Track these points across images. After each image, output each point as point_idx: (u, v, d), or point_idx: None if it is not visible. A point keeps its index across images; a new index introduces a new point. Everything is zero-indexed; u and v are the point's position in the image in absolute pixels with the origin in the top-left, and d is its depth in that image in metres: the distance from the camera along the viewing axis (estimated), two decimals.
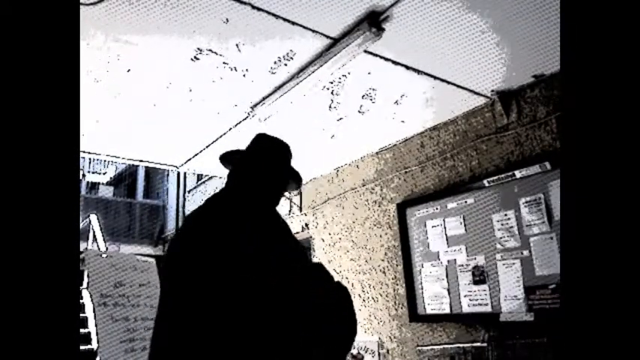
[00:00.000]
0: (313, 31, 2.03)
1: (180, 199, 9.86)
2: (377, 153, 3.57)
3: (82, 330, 4.53)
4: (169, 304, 1.32)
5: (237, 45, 2.12)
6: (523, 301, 2.44)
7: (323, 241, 3.99)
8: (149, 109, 2.71)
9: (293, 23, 1.97)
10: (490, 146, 2.81)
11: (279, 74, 2.38)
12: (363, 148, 3.54)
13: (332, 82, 2.49)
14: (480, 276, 2.69)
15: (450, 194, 2.93)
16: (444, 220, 2.94)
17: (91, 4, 1.78)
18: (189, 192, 9.46)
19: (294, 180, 1.68)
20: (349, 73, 2.41)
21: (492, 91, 2.68)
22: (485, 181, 2.73)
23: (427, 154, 3.20)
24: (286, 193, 4.44)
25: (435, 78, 2.50)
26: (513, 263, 2.52)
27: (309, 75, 2.29)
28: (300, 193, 4.34)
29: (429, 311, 2.96)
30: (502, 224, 2.61)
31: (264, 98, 2.62)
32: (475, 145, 2.89)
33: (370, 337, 3.40)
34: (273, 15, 1.91)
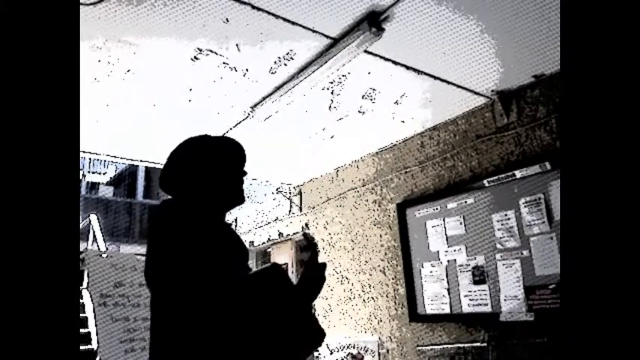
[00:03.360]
0: (313, 31, 2.03)
1: None
2: (377, 153, 3.57)
3: (82, 330, 4.53)
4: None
5: (237, 45, 2.12)
6: (523, 301, 2.44)
7: (323, 241, 3.99)
8: (149, 109, 2.71)
9: (293, 23, 1.97)
10: (490, 146, 2.81)
11: (279, 74, 2.38)
12: (363, 148, 3.54)
13: (332, 82, 2.49)
14: (480, 276, 2.69)
15: (450, 194, 2.93)
16: (443, 220, 2.94)
17: (91, 4, 1.78)
18: None
19: (234, 155, 1.55)
20: (349, 73, 2.41)
21: (492, 91, 2.68)
22: (485, 181, 2.73)
23: (427, 154, 3.20)
24: (286, 194, 4.44)
25: (435, 78, 2.49)
26: (513, 263, 2.52)
27: (309, 75, 2.29)
28: (300, 193, 4.34)
29: (429, 311, 2.96)
30: (502, 224, 2.61)
31: (264, 98, 2.62)
32: (475, 145, 2.89)
33: (370, 337, 3.40)
34: (273, 15, 1.91)
